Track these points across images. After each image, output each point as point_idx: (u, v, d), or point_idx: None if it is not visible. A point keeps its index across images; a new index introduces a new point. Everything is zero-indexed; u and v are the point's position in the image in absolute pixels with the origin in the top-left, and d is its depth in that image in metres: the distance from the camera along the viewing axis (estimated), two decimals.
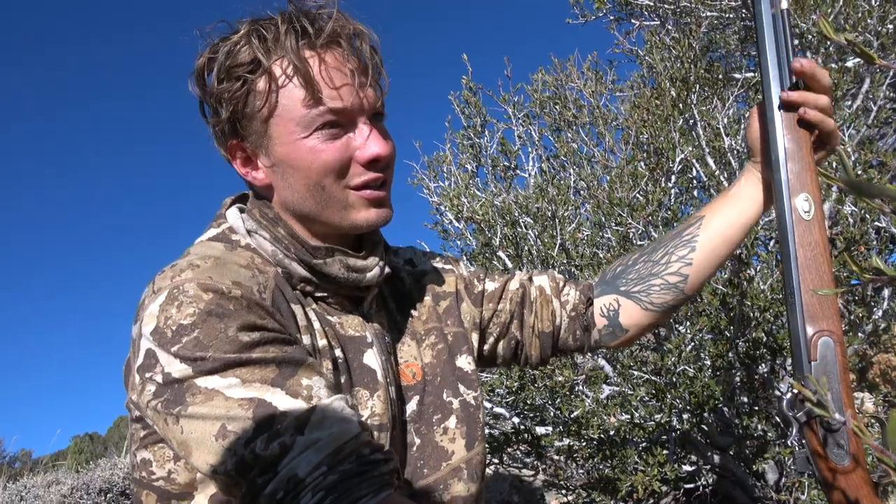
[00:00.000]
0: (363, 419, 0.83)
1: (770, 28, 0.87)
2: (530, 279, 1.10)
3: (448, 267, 1.08)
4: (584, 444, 2.52)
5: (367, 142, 0.85)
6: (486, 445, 1.48)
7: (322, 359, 0.84)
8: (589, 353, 1.13)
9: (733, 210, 1.01)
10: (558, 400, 2.54)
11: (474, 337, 1.04)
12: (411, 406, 0.93)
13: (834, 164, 2.15)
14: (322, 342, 0.85)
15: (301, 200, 0.86)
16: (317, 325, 0.86)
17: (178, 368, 0.73)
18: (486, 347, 1.08)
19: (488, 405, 2.67)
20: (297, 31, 0.82)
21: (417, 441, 0.92)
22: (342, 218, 0.87)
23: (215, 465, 0.71)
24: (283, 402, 0.71)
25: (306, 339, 0.83)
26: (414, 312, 1.01)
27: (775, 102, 0.87)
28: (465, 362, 0.99)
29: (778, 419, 2.56)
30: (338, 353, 0.86)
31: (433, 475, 0.91)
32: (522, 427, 2.64)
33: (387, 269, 0.93)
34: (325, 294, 0.89)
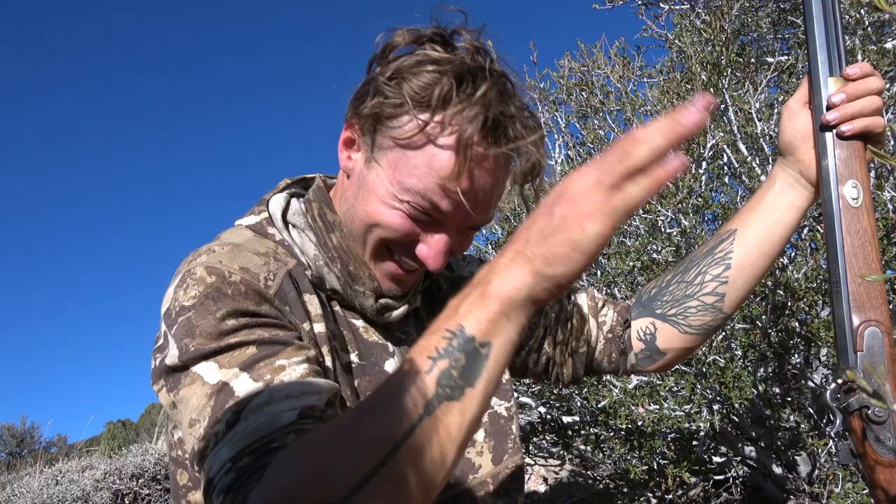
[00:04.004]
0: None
1: (819, 10, 0.83)
2: (568, 296, 1.06)
3: None
4: (611, 434, 2.49)
5: (430, 251, 0.82)
6: (523, 455, 1.44)
7: (337, 344, 0.84)
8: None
9: (769, 219, 0.93)
10: (585, 390, 2.51)
11: None
12: None
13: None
14: (344, 331, 0.85)
15: (349, 220, 0.85)
16: (338, 317, 0.86)
17: (172, 354, 0.74)
18: (517, 360, 1.05)
19: (514, 394, 2.66)
20: (487, 120, 0.76)
21: None
22: (368, 268, 0.86)
23: (190, 454, 0.70)
24: (241, 385, 0.69)
25: (319, 327, 0.82)
26: None
27: (823, 88, 0.83)
28: None
29: (811, 410, 2.51)
30: (353, 357, 0.85)
31: (458, 487, 0.90)
32: (549, 416, 2.63)
33: (416, 303, 0.92)
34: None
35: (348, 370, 0.84)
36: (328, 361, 0.81)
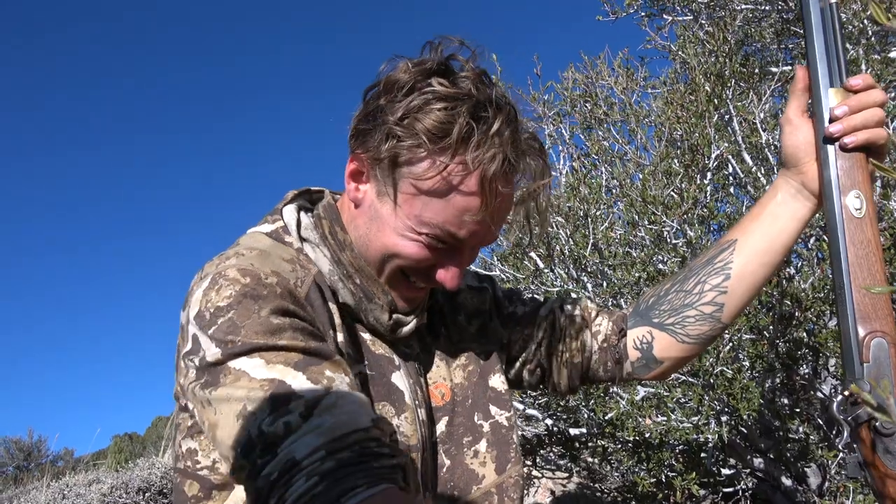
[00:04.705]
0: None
1: (819, 22, 0.83)
2: (562, 307, 1.07)
3: (482, 286, 1.07)
4: (619, 446, 2.48)
5: (447, 274, 0.85)
6: (524, 464, 1.46)
7: (348, 361, 0.84)
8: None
9: (771, 230, 0.93)
10: (592, 401, 2.50)
11: (501, 359, 1.03)
12: (440, 427, 0.93)
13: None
14: (353, 349, 0.86)
15: (363, 246, 0.87)
16: (348, 332, 0.87)
17: (213, 352, 0.74)
18: (512, 371, 1.06)
19: (520, 406, 2.65)
20: (506, 158, 0.78)
21: (447, 462, 0.92)
22: (382, 285, 0.88)
23: (232, 444, 0.71)
24: (301, 384, 0.71)
25: (340, 337, 0.84)
26: (445, 332, 1.00)
27: (824, 99, 0.83)
28: (497, 381, 0.98)
29: (820, 421, 2.49)
30: (362, 367, 0.86)
31: (463, 498, 0.90)
32: (556, 429, 2.61)
33: (424, 318, 0.94)
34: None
35: (364, 382, 0.85)
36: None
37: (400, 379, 0.88)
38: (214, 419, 0.73)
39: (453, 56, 0.82)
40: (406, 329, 0.90)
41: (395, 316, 0.88)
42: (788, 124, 0.90)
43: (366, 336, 0.89)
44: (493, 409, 0.95)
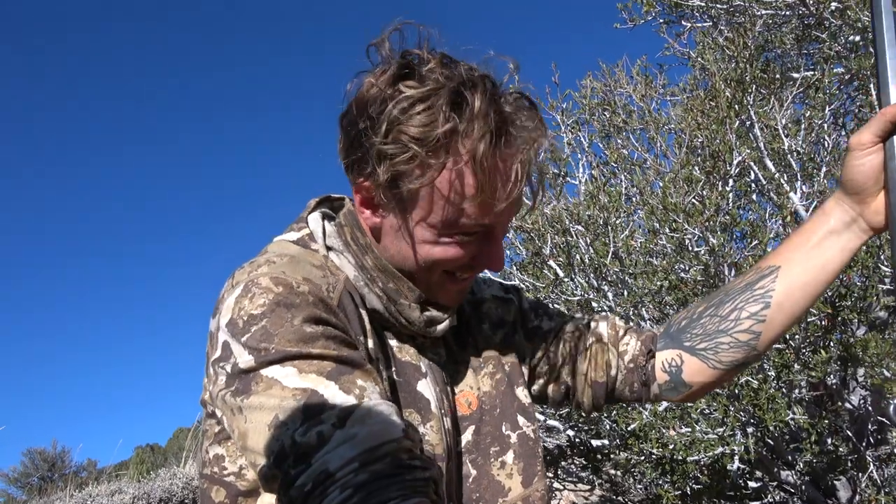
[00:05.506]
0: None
1: (891, 26, 0.81)
2: (588, 325, 1.04)
3: (508, 296, 1.05)
4: (642, 458, 2.44)
5: (491, 256, 0.85)
6: (549, 479, 1.44)
7: (379, 366, 0.84)
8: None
9: (817, 261, 0.88)
10: (614, 412, 2.47)
11: (524, 372, 1.01)
12: (466, 436, 0.92)
13: None
14: (380, 355, 0.85)
15: (401, 262, 0.86)
16: (375, 339, 0.86)
17: (245, 359, 0.74)
18: (535, 388, 1.04)
19: (541, 417, 2.62)
20: (492, 133, 0.77)
21: (473, 472, 0.90)
22: (427, 290, 0.88)
23: (263, 452, 0.71)
24: (333, 394, 0.71)
25: (371, 343, 0.83)
26: (471, 340, 0.99)
27: (893, 88, 0.80)
28: (523, 394, 0.97)
29: (850, 433, 2.43)
30: (391, 372, 0.86)
31: None
32: (577, 440, 2.58)
33: (455, 321, 0.93)
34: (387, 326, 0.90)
35: (393, 388, 0.85)
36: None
37: (426, 387, 0.87)
38: (245, 427, 0.73)
39: (408, 51, 0.81)
40: (441, 327, 0.89)
41: (426, 313, 0.88)
42: (859, 149, 0.84)
43: (392, 343, 0.89)
44: (521, 420, 0.94)
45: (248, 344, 0.74)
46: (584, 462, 2.70)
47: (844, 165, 0.86)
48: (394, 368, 0.87)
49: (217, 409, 0.79)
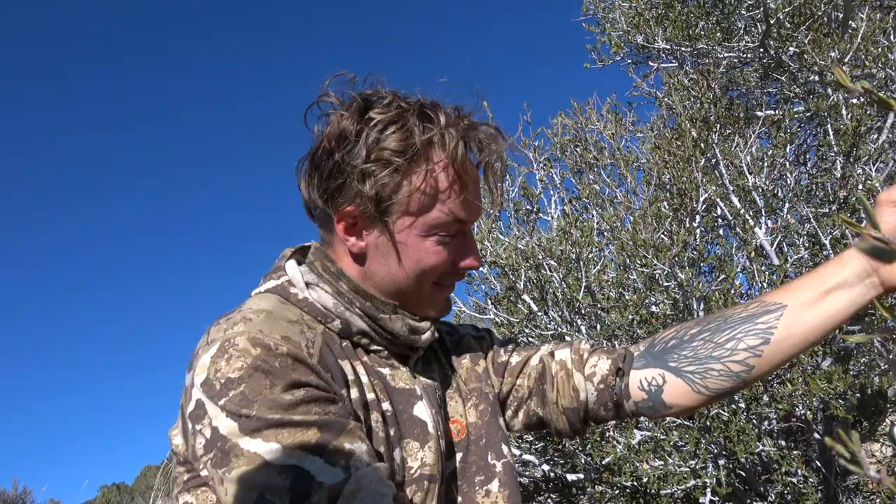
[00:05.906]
0: (412, 471, 0.84)
1: None
2: (552, 354, 1.06)
3: (481, 335, 1.10)
4: (616, 492, 2.45)
5: (469, 253, 0.93)
6: None
7: (371, 411, 0.84)
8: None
9: (825, 311, 0.87)
10: (589, 446, 2.48)
11: (498, 404, 1.04)
12: (453, 463, 0.93)
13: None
14: (370, 395, 0.86)
15: (391, 281, 0.90)
16: (365, 378, 0.87)
17: (224, 424, 0.74)
18: (505, 421, 1.06)
19: (517, 451, 2.62)
20: (462, 141, 0.87)
21: (459, 499, 0.92)
22: (417, 306, 0.92)
23: None
24: (320, 471, 0.71)
25: (354, 393, 0.84)
26: (455, 373, 1.02)
27: None
28: (503, 424, 1.00)
29: (819, 464, 2.47)
30: (386, 406, 0.86)
31: None
32: (552, 475, 2.58)
33: (436, 334, 0.97)
34: (379, 348, 0.91)
35: (388, 422, 0.86)
36: (365, 426, 0.84)
37: (423, 409, 0.89)
38: (227, 500, 0.73)
39: (362, 93, 0.89)
40: (425, 336, 0.93)
41: (408, 322, 0.91)
42: (889, 205, 0.83)
43: (385, 371, 0.90)
44: (505, 450, 0.96)
45: (227, 408, 0.74)
46: (559, 497, 2.69)
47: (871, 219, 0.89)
48: (388, 400, 0.88)
49: (198, 465, 0.78)
